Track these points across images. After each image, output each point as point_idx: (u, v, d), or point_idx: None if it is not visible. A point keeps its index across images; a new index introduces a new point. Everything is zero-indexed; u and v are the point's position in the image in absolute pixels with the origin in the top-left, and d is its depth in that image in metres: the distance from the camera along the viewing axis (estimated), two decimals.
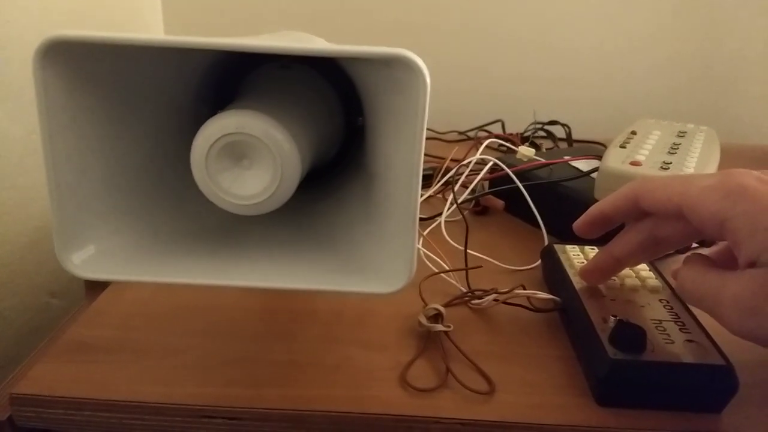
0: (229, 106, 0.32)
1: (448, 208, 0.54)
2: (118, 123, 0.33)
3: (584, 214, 0.37)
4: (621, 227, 0.38)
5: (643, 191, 0.33)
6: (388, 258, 0.32)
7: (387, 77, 0.30)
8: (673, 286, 0.40)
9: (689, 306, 0.38)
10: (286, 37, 0.37)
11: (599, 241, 0.39)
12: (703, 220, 0.29)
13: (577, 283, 0.41)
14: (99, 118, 0.31)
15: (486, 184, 0.62)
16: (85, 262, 0.31)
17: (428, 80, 0.26)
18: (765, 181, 0.28)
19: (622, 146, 0.56)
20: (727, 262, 0.31)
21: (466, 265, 0.46)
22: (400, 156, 0.30)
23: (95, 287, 0.44)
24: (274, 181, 0.31)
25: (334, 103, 0.46)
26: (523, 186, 0.53)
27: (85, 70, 0.29)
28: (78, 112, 0.29)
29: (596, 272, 0.39)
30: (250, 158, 0.31)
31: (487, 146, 0.61)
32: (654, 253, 0.36)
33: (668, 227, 0.33)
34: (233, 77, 0.44)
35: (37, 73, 0.26)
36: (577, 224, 0.38)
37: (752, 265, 0.27)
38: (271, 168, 0.31)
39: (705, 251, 0.33)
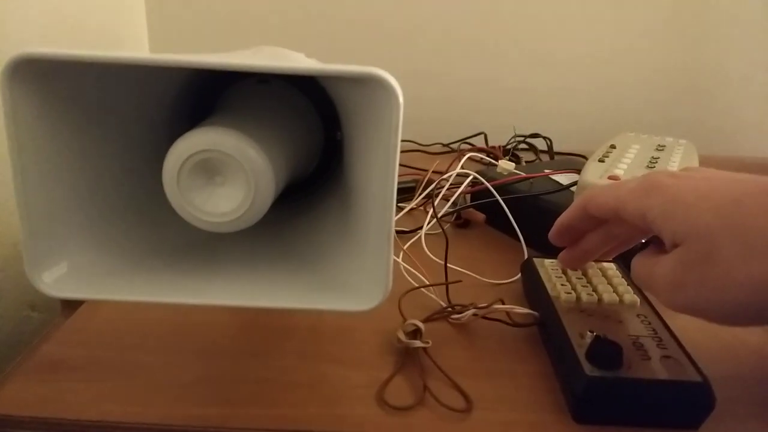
0: (202, 123, 0.32)
1: (429, 222, 0.53)
2: (90, 140, 0.32)
3: (554, 224, 0.41)
4: None
5: (588, 199, 0.37)
6: (363, 275, 0.31)
7: (361, 94, 0.30)
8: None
9: (666, 322, 0.38)
10: (261, 54, 0.37)
11: None
12: (631, 216, 0.33)
13: (555, 297, 0.41)
14: (71, 134, 0.31)
15: (468, 197, 0.62)
16: (56, 280, 0.30)
17: (401, 98, 0.26)
18: (677, 176, 0.32)
19: (601, 160, 0.56)
20: None
21: (446, 279, 0.46)
22: (375, 172, 0.30)
23: (71, 303, 0.44)
24: (248, 198, 0.31)
25: (313, 117, 0.45)
26: (503, 199, 0.54)
27: (56, 87, 0.28)
28: (48, 128, 0.29)
29: (569, 260, 0.43)
30: (223, 175, 0.31)
31: (469, 159, 0.61)
32: (616, 248, 0.41)
33: (618, 227, 0.38)
34: (211, 92, 0.43)
35: (5, 90, 0.26)
36: (550, 234, 0.42)
37: (676, 246, 0.30)
38: (244, 185, 0.30)
39: None
